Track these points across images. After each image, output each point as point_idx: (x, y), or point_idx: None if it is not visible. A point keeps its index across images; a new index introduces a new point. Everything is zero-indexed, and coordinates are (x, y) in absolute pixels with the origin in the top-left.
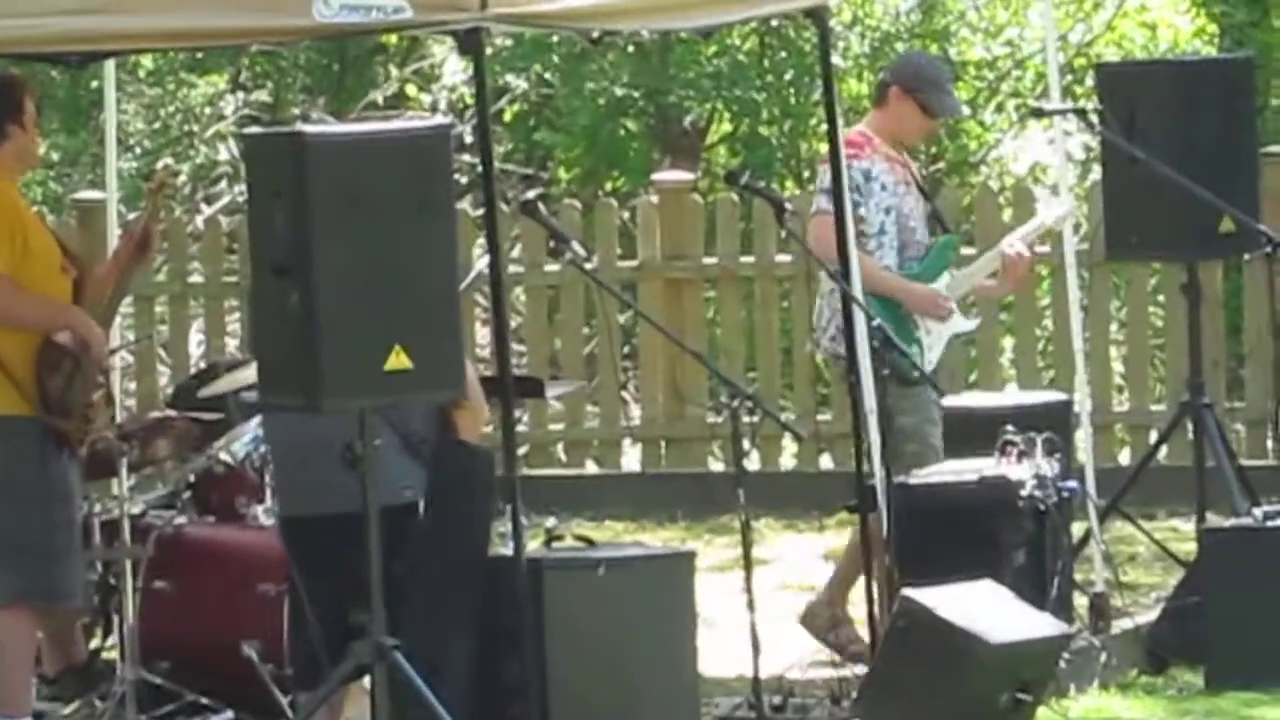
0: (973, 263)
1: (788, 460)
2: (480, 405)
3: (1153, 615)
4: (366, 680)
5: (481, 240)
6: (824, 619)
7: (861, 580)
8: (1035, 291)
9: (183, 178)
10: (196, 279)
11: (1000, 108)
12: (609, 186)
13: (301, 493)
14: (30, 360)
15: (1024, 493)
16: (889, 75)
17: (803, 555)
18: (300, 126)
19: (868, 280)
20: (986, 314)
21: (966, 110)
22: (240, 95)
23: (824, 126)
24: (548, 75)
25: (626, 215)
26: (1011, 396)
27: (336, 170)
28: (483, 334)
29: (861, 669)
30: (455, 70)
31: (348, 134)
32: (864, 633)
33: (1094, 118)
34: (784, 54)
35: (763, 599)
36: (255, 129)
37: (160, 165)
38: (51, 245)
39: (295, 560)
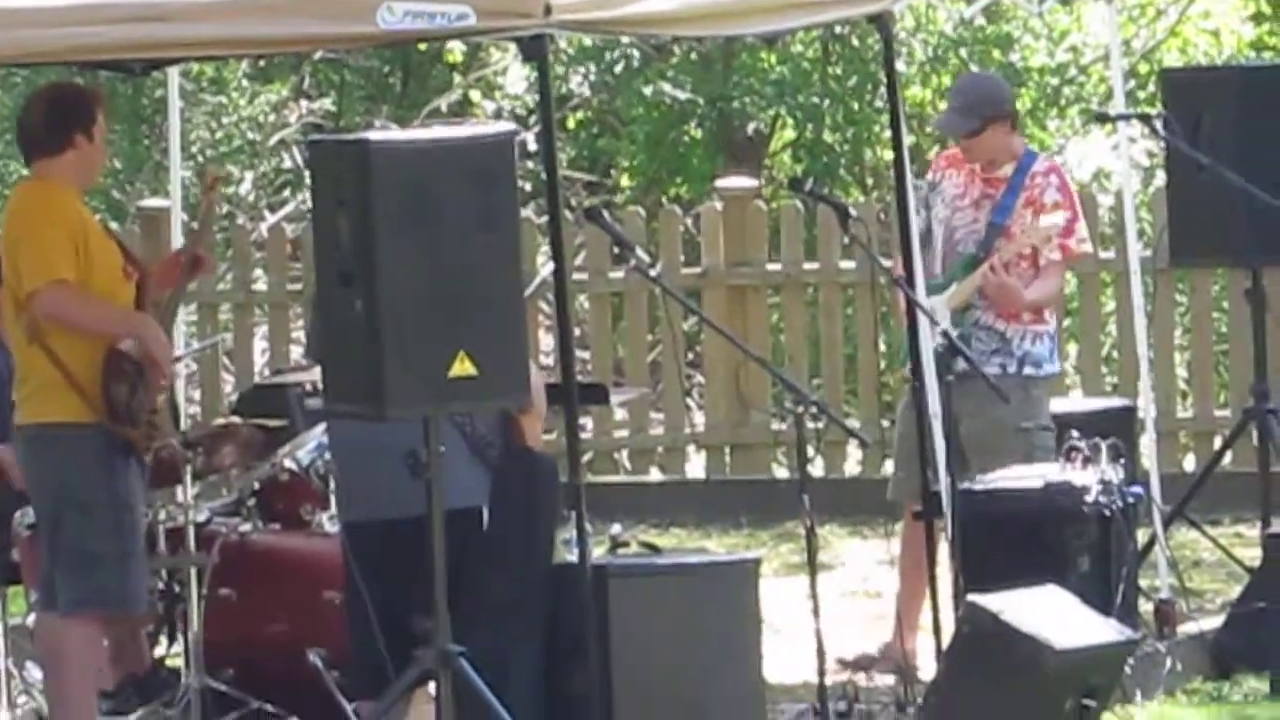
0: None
1: (852, 466)
2: (544, 412)
3: (1218, 621)
4: (431, 687)
5: (546, 247)
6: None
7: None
8: (1099, 297)
9: (246, 186)
10: (260, 287)
11: (1064, 114)
12: (672, 193)
13: (365, 497)
14: (96, 367)
15: (1089, 499)
16: None
17: (867, 561)
18: (365, 134)
19: None
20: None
21: (948, 126)
22: (304, 103)
23: (887, 133)
24: (609, 81)
25: (690, 222)
26: (1076, 402)
27: (401, 178)
28: (547, 341)
29: (927, 675)
30: (518, 77)
31: (412, 142)
32: (929, 639)
33: (1159, 123)
34: (847, 60)
35: (828, 605)
36: (320, 136)
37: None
38: (114, 252)
39: (359, 566)
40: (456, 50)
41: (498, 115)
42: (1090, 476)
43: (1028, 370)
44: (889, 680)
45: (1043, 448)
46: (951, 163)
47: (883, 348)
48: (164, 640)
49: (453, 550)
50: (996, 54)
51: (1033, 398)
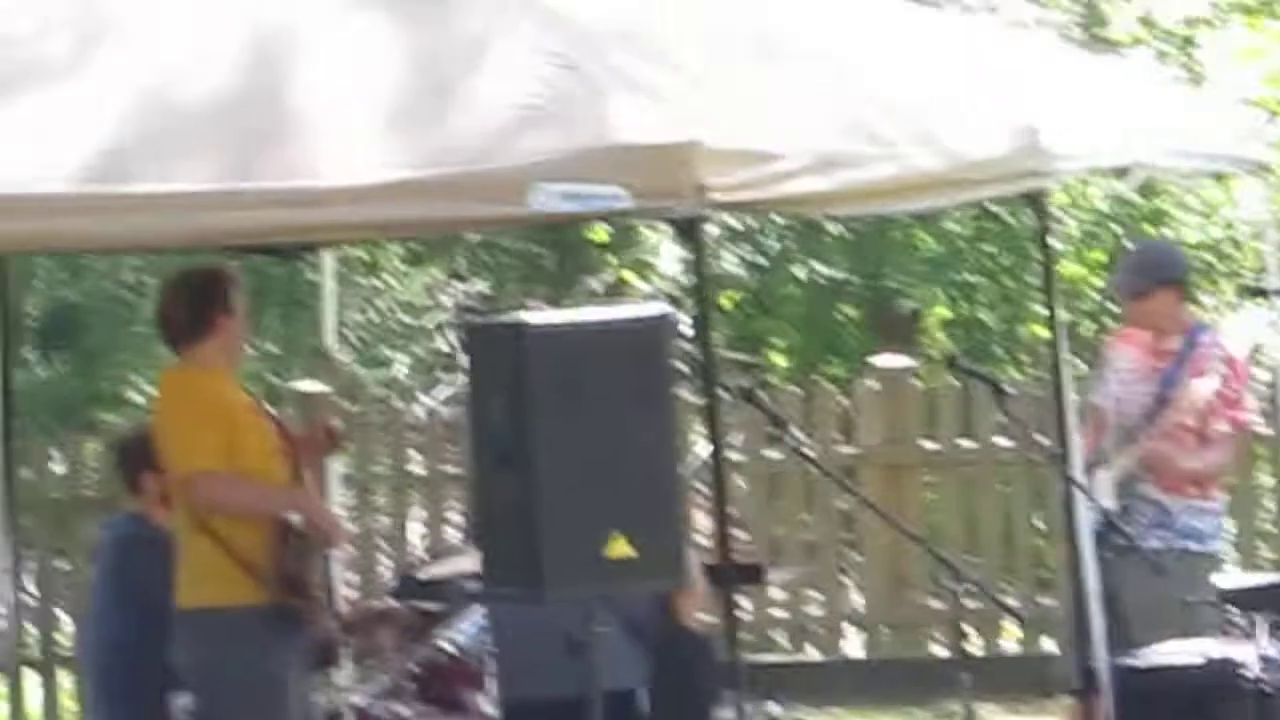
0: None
1: (1009, 644)
2: (702, 591)
3: None
4: None
5: (701, 427)
6: None
7: None
8: (1255, 474)
9: (401, 369)
10: (417, 469)
11: (1218, 288)
12: (827, 372)
13: (525, 677)
14: (263, 543)
15: (1249, 674)
16: None
17: None
18: (520, 316)
19: None
20: None
21: (1118, 285)
22: (457, 284)
23: (1042, 309)
24: (762, 260)
25: (845, 401)
26: (1234, 578)
27: (557, 359)
28: (703, 521)
29: None
30: (671, 257)
31: (568, 323)
32: None
33: None
34: (1000, 237)
35: None
36: (475, 319)
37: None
38: (267, 430)
39: None
40: (603, 230)
41: (652, 296)
42: (1250, 652)
43: (1189, 544)
44: None
45: (1209, 624)
46: (1125, 340)
47: (1040, 525)
48: None
49: None
50: (1149, 228)
51: (1195, 572)
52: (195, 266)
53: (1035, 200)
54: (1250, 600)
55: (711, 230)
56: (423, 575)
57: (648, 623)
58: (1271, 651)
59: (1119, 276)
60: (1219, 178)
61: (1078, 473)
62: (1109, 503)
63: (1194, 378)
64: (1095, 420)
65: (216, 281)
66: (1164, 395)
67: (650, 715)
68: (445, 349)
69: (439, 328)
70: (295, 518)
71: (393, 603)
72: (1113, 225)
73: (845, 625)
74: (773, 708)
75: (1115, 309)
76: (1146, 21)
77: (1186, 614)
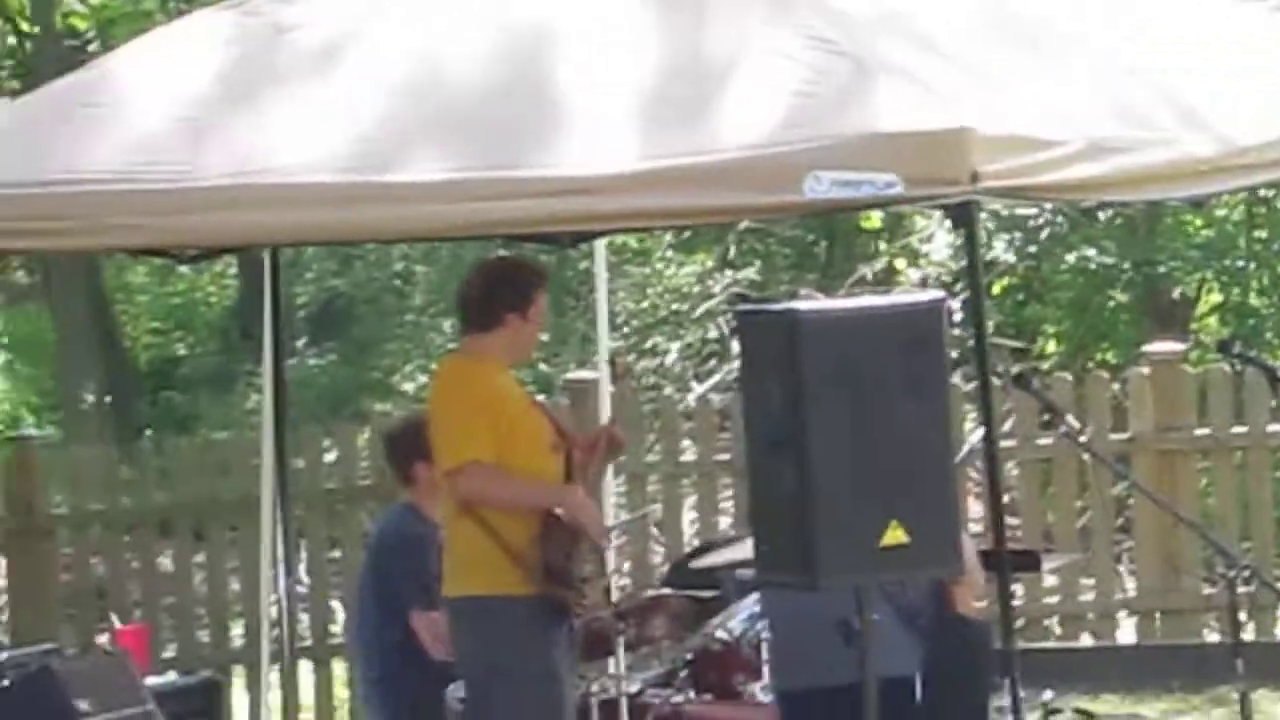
0: None
1: None
2: (977, 579)
3: None
4: None
5: (974, 414)
6: None
7: None
8: None
9: (673, 356)
10: (689, 457)
11: None
12: (1099, 359)
13: (800, 666)
14: (530, 533)
15: None
16: None
17: None
18: (793, 304)
19: None
20: None
21: None
22: (728, 273)
23: None
24: (1034, 246)
25: (1118, 387)
26: None
27: (831, 346)
28: (977, 508)
29: None
30: (942, 244)
31: (841, 310)
32: None
33: None
34: (1272, 223)
35: None
36: (748, 307)
37: (619, 356)
38: (541, 424)
39: None
40: (875, 217)
41: (923, 282)
42: None
43: None
44: None
45: None
46: None
47: None
48: None
49: (887, 718)
50: None
51: None
52: (510, 257)
53: None
54: None
55: (983, 217)
56: (695, 564)
57: (922, 610)
58: None
59: None
60: None
61: None
62: None
63: None
64: None
65: (523, 279)
66: None
67: (925, 703)
68: (716, 337)
69: (710, 315)
70: (562, 512)
71: (666, 591)
72: None
73: (1119, 612)
74: (1047, 695)
75: None
76: None
77: None
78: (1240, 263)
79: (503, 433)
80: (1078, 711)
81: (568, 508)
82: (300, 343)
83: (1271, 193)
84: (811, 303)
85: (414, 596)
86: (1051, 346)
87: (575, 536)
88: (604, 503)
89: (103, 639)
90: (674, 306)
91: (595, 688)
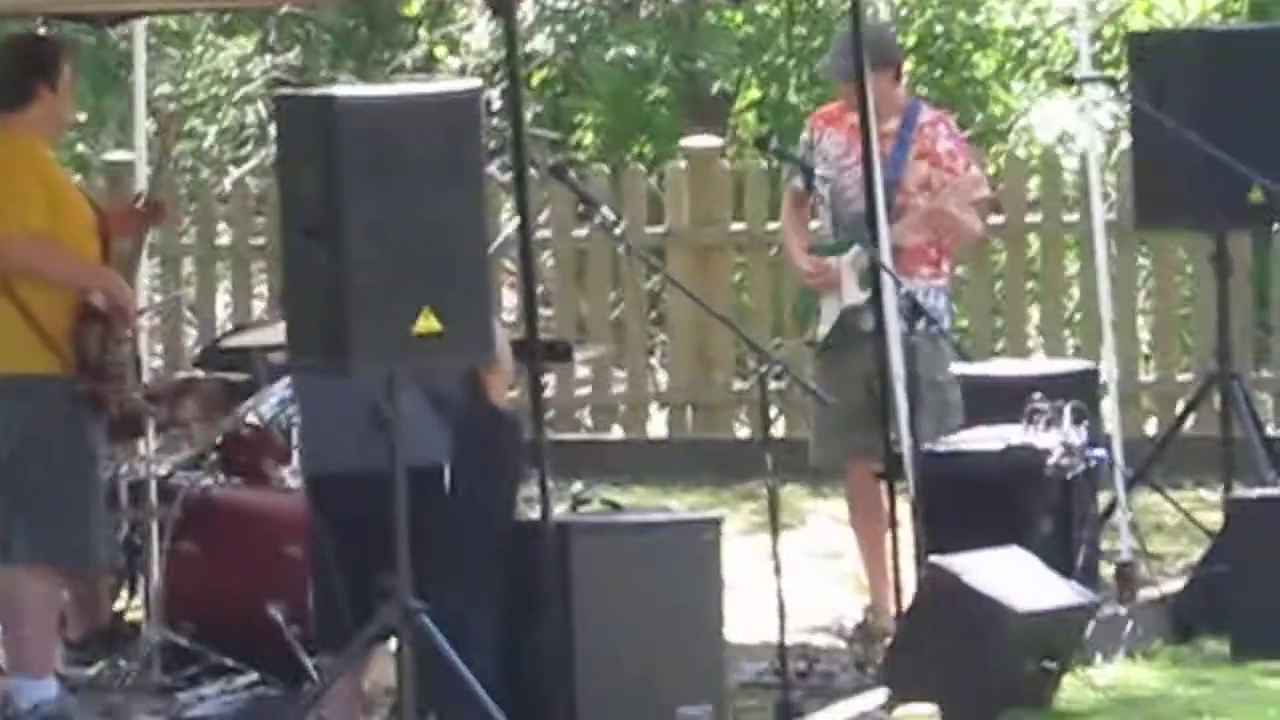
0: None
1: None
2: (509, 369)
3: (1179, 585)
4: (392, 643)
5: (510, 204)
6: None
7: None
8: (1062, 260)
9: (210, 140)
10: (224, 241)
11: (1028, 76)
12: (637, 152)
13: (328, 451)
14: (66, 320)
15: (1051, 461)
16: None
17: (828, 522)
18: (330, 89)
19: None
20: (1013, 282)
21: (832, 71)
22: (268, 58)
23: None
24: (574, 39)
25: (654, 181)
26: (1038, 365)
27: (367, 133)
28: (511, 298)
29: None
30: (483, 34)
31: (379, 97)
32: (891, 599)
33: (1123, 86)
34: (811, 20)
35: (789, 565)
36: (285, 91)
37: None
38: (83, 206)
39: (321, 520)
40: (415, 4)
41: (462, 72)
42: (1052, 439)
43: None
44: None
45: (954, 402)
46: (829, 120)
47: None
48: (125, 594)
49: (415, 506)
50: (962, 15)
51: (940, 351)
52: (28, 33)
53: None
54: (1054, 387)
55: (523, 7)
56: (227, 344)
57: (453, 399)
58: (1074, 438)
59: (831, 60)
60: None
61: (886, 256)
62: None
63: (920, 159)
64: (795, 201)
65: (47, 52)
66: (893, 179)
67: (454, 491)
68: (254, 121)
69: (248, 99)
70: (98, 298)
71: (198, 374)
72: (925, 10)
73: (650, 405)
74: (576, 486)
75: None
76: None
77: (937, 395)
78: (780, 59)
79: (55, 208)
80: (605, 503)
81: (107, 289)
82: None
83: None
84: (349, 88)
85: None
86: (589, 139)
87: (110, 324)
88: (138, 284)
89: None
90: (213, 90)
91: (124, 469)
